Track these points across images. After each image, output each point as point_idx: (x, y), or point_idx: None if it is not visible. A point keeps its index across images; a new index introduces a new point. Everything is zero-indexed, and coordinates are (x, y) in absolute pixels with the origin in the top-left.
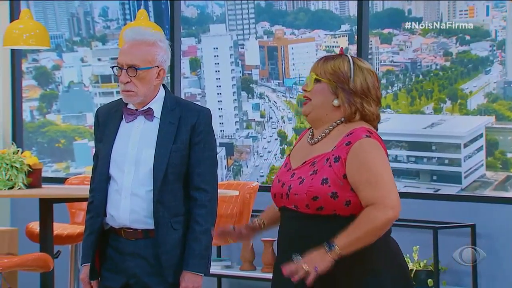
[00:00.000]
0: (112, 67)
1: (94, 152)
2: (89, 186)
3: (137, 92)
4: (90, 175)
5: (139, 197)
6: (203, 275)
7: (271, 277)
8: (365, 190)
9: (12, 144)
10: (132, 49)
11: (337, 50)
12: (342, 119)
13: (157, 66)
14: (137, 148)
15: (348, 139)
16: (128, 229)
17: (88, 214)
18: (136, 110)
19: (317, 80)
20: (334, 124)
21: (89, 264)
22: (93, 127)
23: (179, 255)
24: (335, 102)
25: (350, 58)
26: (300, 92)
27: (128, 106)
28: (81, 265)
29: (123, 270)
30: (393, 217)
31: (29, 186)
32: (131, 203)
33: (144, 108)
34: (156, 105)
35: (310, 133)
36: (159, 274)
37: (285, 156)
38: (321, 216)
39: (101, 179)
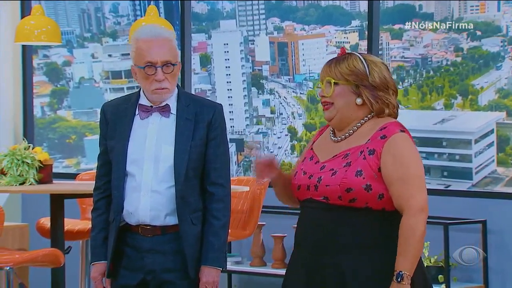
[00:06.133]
0: (144, 67)
1: (100, 149)
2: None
3: (170, 89)
4: (96, 172)
5: (159, 194)
6: (221, 269)
7: (284, 272)
8: (396, 186)
9: (23, 140)
10: (161, 45)
11: (347, 46)
12: (369, 115)
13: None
14: (155, 144)
15: (382, 133)
16: (146, 226)
17: (95, 211)
18: (151, 106)
19: (335, 84)
20: (362, 121)
21: (101, 262)
22: (99, 124)
23: (199, 251)
24: (358, 101)
25: (359, 55)
26: (310, 88)
27: (142, 103)
28: (92, 263)
29: (140, 267)
30: (426, 217)
31: (40, 182)
32: (151, 200)
33: (162, 104)
34: (172, 101)
35: (332, 131)
36: (179, 269)
37: (304, 149)
38: (353, 208)
39: (118, 176)
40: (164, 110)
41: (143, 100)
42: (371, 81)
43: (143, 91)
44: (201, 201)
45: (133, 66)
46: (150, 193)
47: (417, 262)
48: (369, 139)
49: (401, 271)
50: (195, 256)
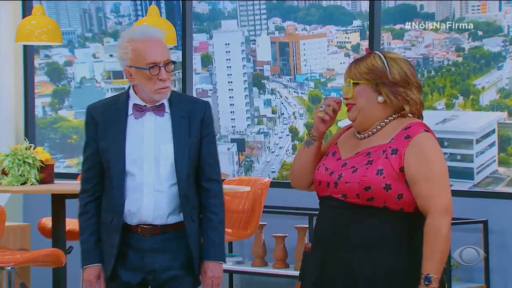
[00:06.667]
0: (150, 68)
1: (87, 152)
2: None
3: (170, 88)
4: (82, 176)
5: (162, 193)
6: (223, 263)
7: (285, 271)
8: (421, 185)
9: (25, 140)
10: (160, 45)
11: (349, 46)
12: (394, 115)
13: None
14: (153, 144)
15: (406, 132)
16: (147, 226)
17: (84, 215)
18: (145, 106)
19: (355, 84)
20: (387, 120)
21: (95, 265)
22: (85, 127)
23: (199, 247)
24: (380, 99)
25: (380, 53)
26: (311, 88)
27: (136, 102)
28: (84, 267)
29: (141, 267)
30: (451, 217)
31: (41, 181)
32: (154, 199)
33: (158, 103)
34: (165, 100)
35: (357, 130)
36: (181, 267)
37: (328, 141)
38: (370, 207)
39: (118, 176)
40: (159, 109)
41: (136, 100)
42: (391, 78)
43: (135, 91)
44: (197, 198)
45: (128, 67)
46: (153, 192)
47: (444, 263)
48: (392, 138)
49: (428, 274)
50: (198, 253)
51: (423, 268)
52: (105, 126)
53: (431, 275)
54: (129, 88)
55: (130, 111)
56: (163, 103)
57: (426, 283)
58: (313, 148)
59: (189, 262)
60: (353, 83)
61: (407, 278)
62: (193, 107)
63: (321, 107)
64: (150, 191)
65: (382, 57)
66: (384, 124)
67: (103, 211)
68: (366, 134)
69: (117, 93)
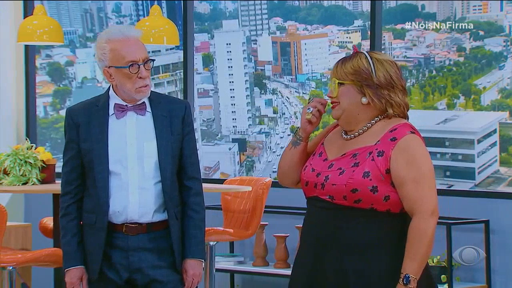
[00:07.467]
0: (129, 67)
1: (68, 154)
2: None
3: (150, 86)
4: (63, 178)
5: (147, 191)
6: (203, 261)
7: (286, 271)
8: (408, 187)
9: (26, 139)
10: (138, 44)
11: (350, 46)
12: (381, 116)
13: None
14: (136, 142)
15: (392, 134)
16: (132, 224)
17: (66, 217)
18: (126, 105)
19: (340, 84)
20: (373, 121)
21: (77, 267)
22: (65, 129)
23: (182, 245)
24: (364, 100)
25: (367, 54)
26: (312, 88)
27: (117, 102)
28: (66, 269)
29: (126, 266)
30: (436, 220)
31: (42, 181)
32: (140, 197)
33: (139, 102)
34: (145, 99)
35: (344, 129)
36: (167, 266)
37: (315, 139)
38: (357, 209)
39: (103, 177)
40: (141, 108)
41: (117, 100)
42: (376, 80)
43: (115, 91)
44: (179, 196)
45: (107, 68)
46: (139, 190)
47: (424, 265)
48: (378, 140)
49: (408, 274)
50: (180, 251)
51: (404, 267)
52: (87, 127)
53: (410, 276)
54: (108, 89)
55: (112, 111)
56: (144, 102)
57: (405, 282)
58: (299, 148)
59: (175, 261)
60: (338, 82)
61: (397, 278)
62: (173, 107)
63: (309, 108)
64: (135, 189)
65: (369, 58)
66: (370, 125)
67: (85, 212)
68: (352, 135)
69: (96, 95)
